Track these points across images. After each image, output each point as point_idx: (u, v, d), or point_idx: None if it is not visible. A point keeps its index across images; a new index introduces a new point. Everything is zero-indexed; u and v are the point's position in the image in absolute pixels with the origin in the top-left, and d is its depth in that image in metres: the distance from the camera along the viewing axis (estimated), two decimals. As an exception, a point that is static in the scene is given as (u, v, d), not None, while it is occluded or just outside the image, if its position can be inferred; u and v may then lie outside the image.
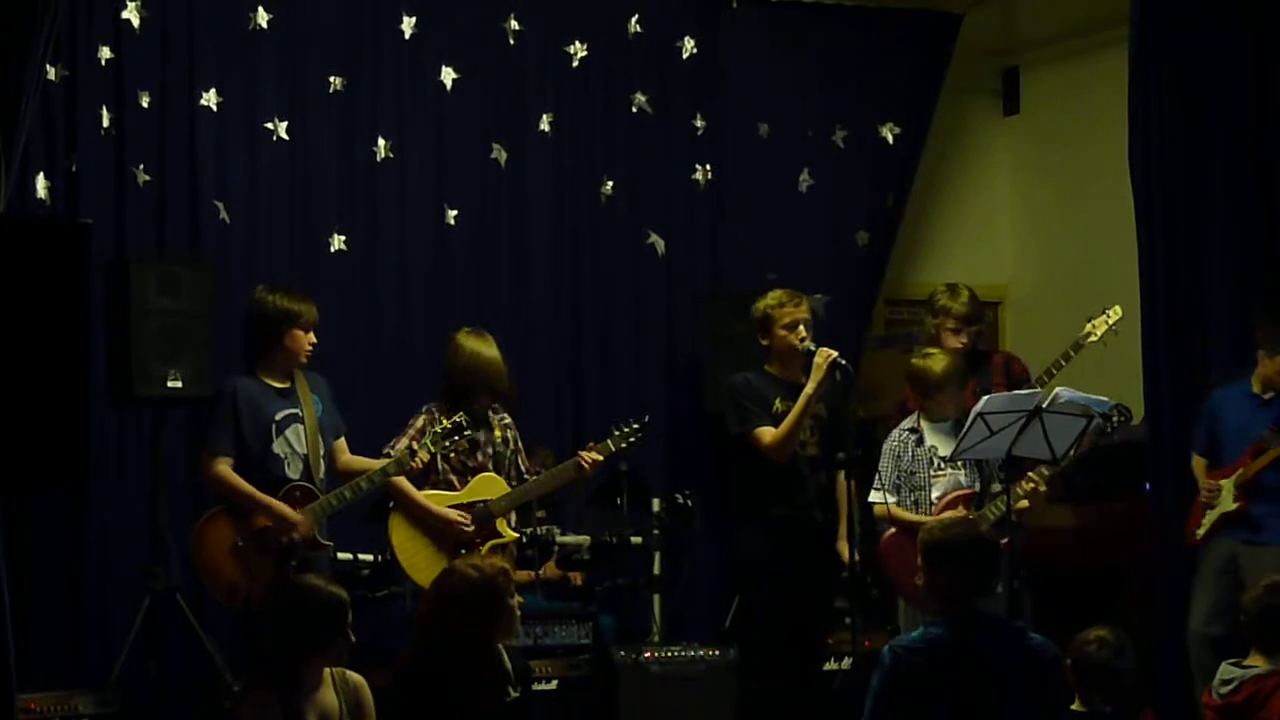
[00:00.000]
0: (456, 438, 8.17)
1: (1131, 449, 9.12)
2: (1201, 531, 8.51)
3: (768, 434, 8.19)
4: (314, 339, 8.22)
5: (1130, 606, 9.30)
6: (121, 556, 8.98)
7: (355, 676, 6.30)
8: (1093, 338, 8.83)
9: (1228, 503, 8.42)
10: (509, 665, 6.55)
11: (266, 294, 8.26)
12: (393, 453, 8.24)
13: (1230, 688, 6.84)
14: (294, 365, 8.18)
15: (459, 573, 6.46)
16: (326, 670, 6.18)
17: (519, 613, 6.53)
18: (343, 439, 8.43)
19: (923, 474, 8.45)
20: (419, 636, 6.47)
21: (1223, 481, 8.45)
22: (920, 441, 8.52)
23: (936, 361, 8.54)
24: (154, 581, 8.70)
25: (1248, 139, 8.82)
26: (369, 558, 8.84)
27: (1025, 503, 8.39)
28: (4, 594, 6.90)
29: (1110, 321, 8.83)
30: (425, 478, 8.34)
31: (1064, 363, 8.78)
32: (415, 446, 8.11)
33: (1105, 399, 8.10)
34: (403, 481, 8.26)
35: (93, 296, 8.04)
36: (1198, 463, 8.67)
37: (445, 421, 8.15)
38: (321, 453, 8.17)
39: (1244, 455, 8.41)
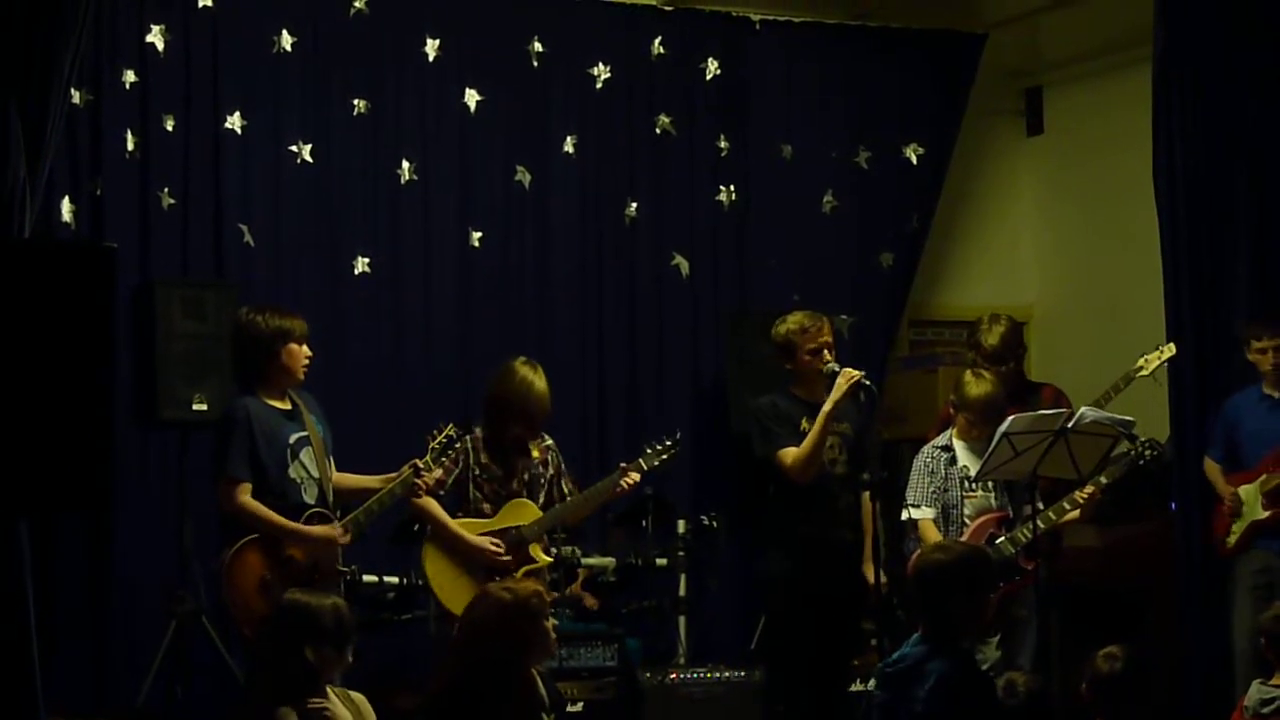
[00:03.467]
0: (450, 451, 8.07)
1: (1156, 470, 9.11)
2: (1232, 540, 8.47)
3: (790, 454, 8.15)
4: (309, 352, 7.92)
5: (1156, 626, 9.26)
6: (147, 580, 8.99)
7: (357, 695, 6.31)
8: (1144, 371, 8.78)
9: (1256, 510, 8.37)
10: (544, 692, 6.49)
11: (254, 315, 7.87)
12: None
13: (1273, 707, 6.86)
14: (292, 383, 7.88)
15: (491, 596, 6.33)
16: (330, 690, 6.18)
17: (554, 635, 6.46)
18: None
19: (955, 491, 8.44)
20: (452, 662, 6.31)
21: (1244, 488, 8.41)
22: (953, 460, 8.50)
23: (977, 386, 8.49)
24: (179, 605, 8.70)
25: (1273, 157, 8.80)
26: (394, 580, 8.81)
27: (1076, 513, 8.39)
28: (30, 617, 6.92)
29: (1164, 357, 8.78)
30: (458, 506, 8.19)
31: (1114, 394, 8.72)
32: (419, 464, 7.98)
33: (1130, 418, 8.08)
34: (435, 508, 8.10)
35: (117, 320, 8.05)
36: (1211, 468, 8.63)
37: (440, 437, 8.06)
38: (330, 475, 7.94)
39: (1266, 460, 8.38)
